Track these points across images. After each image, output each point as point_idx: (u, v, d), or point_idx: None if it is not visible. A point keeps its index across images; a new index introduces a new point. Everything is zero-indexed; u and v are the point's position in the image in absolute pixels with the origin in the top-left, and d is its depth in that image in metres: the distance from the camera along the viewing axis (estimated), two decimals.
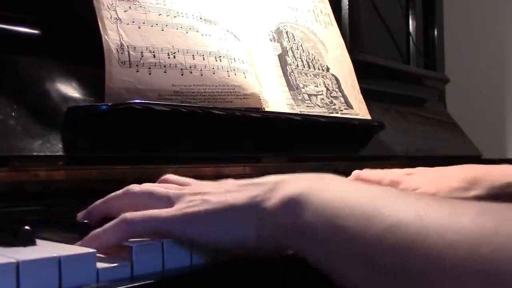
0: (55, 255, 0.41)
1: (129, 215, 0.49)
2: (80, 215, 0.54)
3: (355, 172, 0.87)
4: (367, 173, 0.86)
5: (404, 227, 0.39)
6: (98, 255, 0.44)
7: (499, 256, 0.34)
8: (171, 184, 0.55)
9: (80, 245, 0.48)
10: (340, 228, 0.42)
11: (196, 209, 0.49)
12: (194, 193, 0.51)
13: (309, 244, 0.44)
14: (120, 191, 0.53)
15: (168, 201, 0.51)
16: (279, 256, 0.50)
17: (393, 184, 0.83)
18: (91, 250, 0.44)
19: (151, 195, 0.52)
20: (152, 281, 0.45)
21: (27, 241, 0.46)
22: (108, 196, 0.54)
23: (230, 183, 0.52)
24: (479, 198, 0.80)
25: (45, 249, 0.44)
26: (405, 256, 0.38)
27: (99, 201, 0.54)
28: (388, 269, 0.39)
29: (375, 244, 0.40)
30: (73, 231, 0.51)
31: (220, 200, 0.49)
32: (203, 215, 0.49)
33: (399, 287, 0.39)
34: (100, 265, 0.44)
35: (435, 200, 0.42)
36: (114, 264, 0.44)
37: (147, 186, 0.53)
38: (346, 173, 0.82)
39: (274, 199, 0.46)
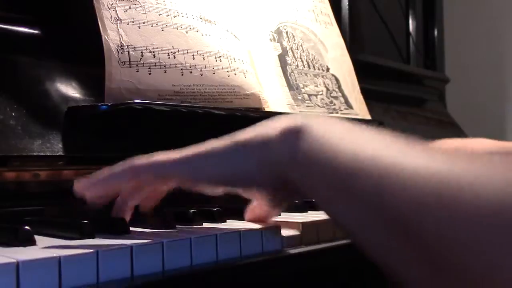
0: (55, 255, 0.41)
1: (136, 161, 0.52)
2: (78, 184, 0.55)
3: None
4: None
5: (383, 158, 0.41)
6: (99, 256, 0.44)
7: (464, 191, 0.36)
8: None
9: (88, 185, 0.51)
10: (330, 158, 0.44)
11: (199, 149, 0.52)
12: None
13: (303, 173, 0.46)
14: (123, 167, 0.54)
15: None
16: (277, 188, 0.52)
17: None
18: (91, 250, 0.44)
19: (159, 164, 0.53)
20: (152, 281, 0.45)
21: (27, 241, 0.46)
22: (111, 173, 0.54)
23: None
24: None
25: (45, 249, 0.44)
26: (381, 185, 0.40)
27: (101, 178, 0.55)
28: (365, 198, 0.41)
29: (354, 174, 0.42)
30: (73, 231, 0.51)
31: (225, 140, 0.52)
32: (206, 153, 0.52)
33: (375, 216, 0.41)
34: (101, 265, 0.43)
35: (418, 143, 0.43)
36: (114, 264, 0.44)
37: (150, 158, 0.54)
38: None
39: (274, 130, 0.49)
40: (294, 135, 0.47)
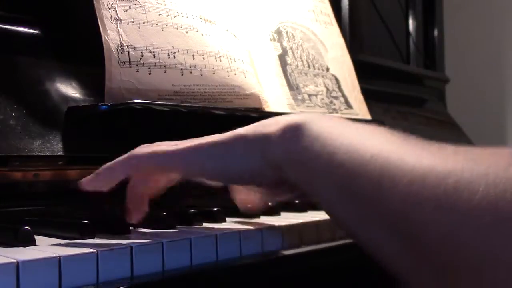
0: (55, 255, 0.41)
1: (137, 150, 0.52)
2: (82, 180, 0.55)
3: None
4: None
5: (383, 156, 0.41)
6: (98, 255, 0.44)
7: (461, 189, 0.36)
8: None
9: (92, 178, 0.51)
10: (330, 154, 0.44)
11: (201, 141, 0.52)
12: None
13: (304, 170, 0.47)
14: (125, 158, 0.54)
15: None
16: (281, 186, 0.53)
17: None
18: (91, 250, 0.44)
19: (160, 155, 0.54)
20: (152, 281, 0.45)
21: (27, 241, 0.46)
22: (113, 164, 0.55)
23: None
24: None
25: (45, 249, 0.44)
26: (380, 182, 0.40)
27: (105, 169, 0.55)
28: (366, 195, 0.41)
29: (356, 172, 0.42)
30: (73, 231, 0.51)
31: (227, 134, 0.52)
32: (210, 145, 0.52)
33: (375, 213, 0.41)
34: (99, 264, 0.43)
35: (420, 140, 0.44)
36: (113, 264, 0.44)
37: (153, 148, 0.54)
38: None
39: (277, 126, 0.49)
40: (293, 132, 0.47)
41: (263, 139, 0.50)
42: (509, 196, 0.35)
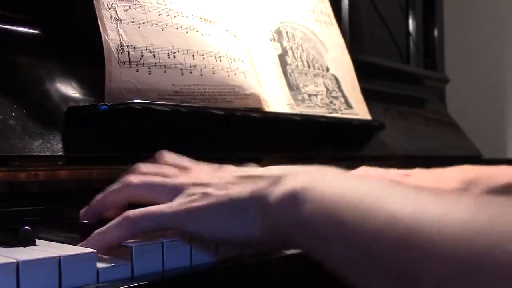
0: (55, 255, 0.41)
1: (131, 213, 0.49)
2: (82, 212, 0.55)
3: (363, 168, 0.87)
4: (368, 172, 0.86)
5: (400, 221, 0.39)
6: (98, 255, 0.44)
7: (495, 249, 0.34)
8: (168, 166, 0.56)
9: (84, 245, 0.48)
10: (338, 222, 0.42)
11: (198, 204, 0.49)
12: (195, 184, 0.51)
13: (309, 239, 0.45)
14: (119, 184, 0.54)
15: (168, 193, 0.51)
16: (282, 249, 0.52)
17: None
18: (91, 250, 0.44)
19: (150, 187, 0.52)
20: (152, 281, 0.45)
21: (27, 241, 0.46)
22: (108, 190, 0.54)
23: (230, 172, 0.52)
24: None
25: (45, 249, 0.44)
26: (399, 249, 0.38)
27: (99, 195, 0.54)
28: (383, 262, 0.39)
29: (371, 238, 0.40)
30: (73, 231, 0.51)
31: (222, 194, 0.49)
32: (206, 210, 0.49)
33: (392, 278, 0.39)
34: (100, 265, 0.44)
35: (433, 193, 0.41)
36: (114, 264, 0.44)
37: (144, 178, 0.53)
38: None
39: (276, 194, 0.46)
40: (295, 201, 0.45)
41: (264, 209, 0.47)
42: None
